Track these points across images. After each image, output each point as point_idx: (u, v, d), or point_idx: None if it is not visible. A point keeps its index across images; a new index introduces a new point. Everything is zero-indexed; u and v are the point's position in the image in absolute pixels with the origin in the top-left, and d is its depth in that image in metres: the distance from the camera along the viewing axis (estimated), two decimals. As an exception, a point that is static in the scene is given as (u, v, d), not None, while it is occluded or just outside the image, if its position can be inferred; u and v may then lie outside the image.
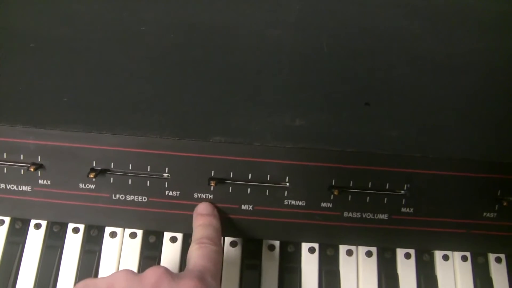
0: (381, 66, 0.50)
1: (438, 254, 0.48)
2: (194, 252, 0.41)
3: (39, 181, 0.44)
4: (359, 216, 0.45)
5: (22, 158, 0.44)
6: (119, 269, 0.44)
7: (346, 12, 0.56)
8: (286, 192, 0.44)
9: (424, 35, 0.54)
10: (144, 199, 0.45)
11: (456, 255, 0.48)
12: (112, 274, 0.37)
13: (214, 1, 0.56)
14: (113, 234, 0.46)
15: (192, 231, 0.44)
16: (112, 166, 0.44)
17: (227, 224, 0.45)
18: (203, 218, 0.44)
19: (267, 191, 0.44)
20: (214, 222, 0.44)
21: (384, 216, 0.45)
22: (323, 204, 0.44)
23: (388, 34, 0.54)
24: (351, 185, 0.44)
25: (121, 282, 0.36)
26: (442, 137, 0.45)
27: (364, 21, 0.55)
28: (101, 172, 0.44)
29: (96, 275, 0.45)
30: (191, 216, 0.44)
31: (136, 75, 0.48)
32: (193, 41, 0.51)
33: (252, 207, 0.45)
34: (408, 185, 0.44)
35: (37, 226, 0.46)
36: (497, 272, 0.47)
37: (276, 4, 0.56)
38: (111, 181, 0.44)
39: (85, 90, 0.46)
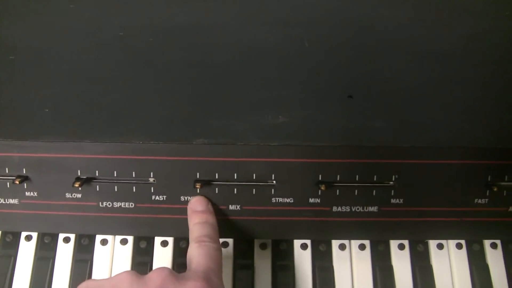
0: (362, 58, 0.50)
1: (432, 244, 0.47)
2: (195, 251, 0.40)
3: (26, 193, 0.44)
4: (349, 210, 0.44)
5: (7, 171, 0.44)
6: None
7: (326, 5, 0.55)
8: (273, 190, 0.44)
9: (405, 24, 0.53)
10: (132, 205, 0.44)
11: (451, 244, 0.47)
12: (116, 275, 0.37)
13: (191, 2, 0.55)
14: (104, 242, 0.46)
15: (182, 233, 0.44)
16: (97, 174, 0.44)
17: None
18: (198, 215, 0.43)
19: (254, 190, 0.44)
20: (210, 218, 0.43)
21: (374, 209, 0.45)
22: (311, 200, 0.44)
23: (368, 25, 0.53)
24: (338, 179, 0.43)
25: (126, 284, 0.36)
26: (428, 126, 0.44)
27: (344, 12, 0.54)
28: (87, 181, 0.44)
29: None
30: (179, 220, 0.44)
31: (116, 82, 0.48)
32: (172, 44, 0.51)
33: (240, 207, 0.44)
34: (396, 176, 0.43)
35: (28, 238, 0.46)
36: (493, 258, 0.47)
37: (254, 1, 0.56)
38: (97, 189, 0.44)
39: (66, 99, 0.46)
